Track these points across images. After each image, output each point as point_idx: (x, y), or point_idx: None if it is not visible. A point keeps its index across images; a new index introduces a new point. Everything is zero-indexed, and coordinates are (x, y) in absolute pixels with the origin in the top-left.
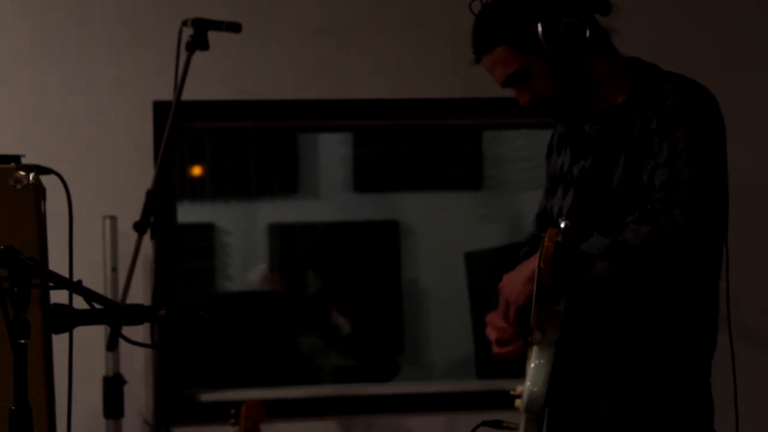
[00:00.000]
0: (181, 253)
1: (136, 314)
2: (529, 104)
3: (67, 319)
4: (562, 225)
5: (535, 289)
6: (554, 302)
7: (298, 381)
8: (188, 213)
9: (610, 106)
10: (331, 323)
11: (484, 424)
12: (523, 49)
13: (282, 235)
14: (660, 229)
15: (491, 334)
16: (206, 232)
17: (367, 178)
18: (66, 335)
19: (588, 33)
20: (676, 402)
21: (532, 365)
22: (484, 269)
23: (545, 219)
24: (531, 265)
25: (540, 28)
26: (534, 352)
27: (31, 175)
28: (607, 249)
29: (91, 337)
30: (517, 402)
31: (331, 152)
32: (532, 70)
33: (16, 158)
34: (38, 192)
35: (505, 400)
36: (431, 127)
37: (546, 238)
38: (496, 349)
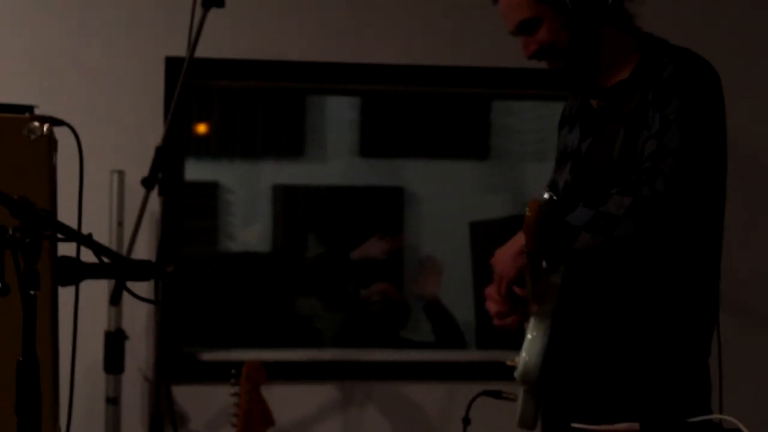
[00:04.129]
0: (184, 211)
1: (143, 270)
2: (533, 56)
3: (74, 272)
4: (546, 196)
5: (526, 261)
6: (550, 274)
7: (299, 344)
8: (192, 170)
9: (617, 82)
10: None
11: (485, 393)
12: None
13: (285, 197)
14: (641, 200)
15: (491, 307)
16: (209, 190)
17: (373, 143)
18: (70, 289)
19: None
20: (672, 378)
21: (528, 337)
22: (488, 239)
23: (554, 191)
24: (520, 239)
25: None
26: (531, 323)
27: (45, 126)
28: (590, 221)
29: (93, 292)
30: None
31: (338, 116)
32: (543, 21)
33: (29, 108)
34: (51, 143)
35: (505, 371)
36: (440, 94)
37: (528, 210)
38: (496, 321)
